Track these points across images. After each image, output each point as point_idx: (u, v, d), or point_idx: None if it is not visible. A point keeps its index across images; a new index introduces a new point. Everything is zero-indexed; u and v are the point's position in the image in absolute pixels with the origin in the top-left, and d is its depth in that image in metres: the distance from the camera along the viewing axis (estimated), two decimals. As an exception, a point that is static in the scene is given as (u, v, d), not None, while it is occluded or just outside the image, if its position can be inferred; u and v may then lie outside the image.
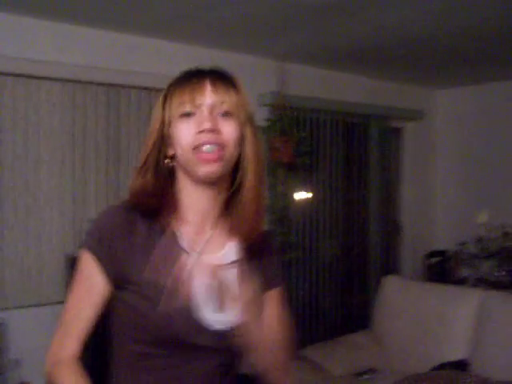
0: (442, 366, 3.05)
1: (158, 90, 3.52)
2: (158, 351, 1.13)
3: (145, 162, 1.19)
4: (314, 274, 4.48)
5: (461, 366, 3.01)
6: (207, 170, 1.12)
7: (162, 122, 1.17)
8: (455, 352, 3.13)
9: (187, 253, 1.17)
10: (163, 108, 1.18)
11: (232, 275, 1.15)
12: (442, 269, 4.94)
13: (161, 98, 1.20)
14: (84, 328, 1.16)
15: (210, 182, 1.16)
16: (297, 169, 4.22)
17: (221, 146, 1.12)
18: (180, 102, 1.14)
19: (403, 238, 5.43)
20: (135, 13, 3.11)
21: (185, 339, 1.12)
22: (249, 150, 1.18)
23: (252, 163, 1.18)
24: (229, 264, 1.19)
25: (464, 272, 4.92)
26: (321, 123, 4.56)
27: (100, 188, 3.32)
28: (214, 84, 1.15)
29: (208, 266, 1.12)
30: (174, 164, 1.20)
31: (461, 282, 4.72)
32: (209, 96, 1.14)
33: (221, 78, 1.18)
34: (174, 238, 1.17)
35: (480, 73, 4.79)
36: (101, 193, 3.32)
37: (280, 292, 1.31)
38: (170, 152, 1.18)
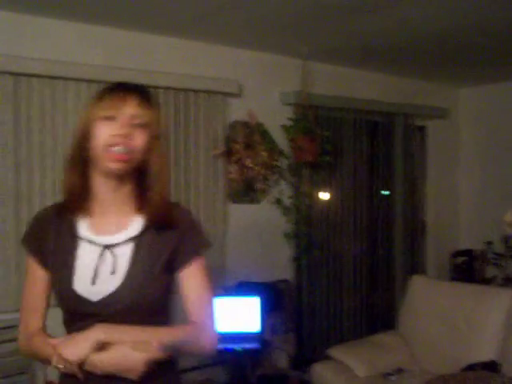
0: (471, 367, 3.01)
1: (180, 90, 3.59)
2: (73, 318, 1.39)
3: (71, 158, 1.42)
4: (339, 274, 4.46)
5: (490, 366, 2.96)
6: (114, 166, 1.34)
7: (87, 122, 1.38)
8: (484, 353, 3.08)
9: (80, 238, 1.42)
10: (90, 109, 1.39)
11: (127, 250, 1.40)
12: (468, 268, 4.89)
13: (90, 101, 1.42)
14: (40, 306, 1.46)
15: (115, 176, 1.37)
16: (320, 168, 4.21)
17: (130, 150, 1.33)
18: (106, 107, 1.35)
19: (428, 237, 5.37)
20: (161, 13, 3.13)
21: (76, 309, 1.37)
22: (156, 156, 1.39)
23: (156, 166, 1.40)
24: (126, 241, 1.41)
25: (491, 271, 4.86)
26: (344, 122, 4.53)
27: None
28: (137, 98, 1.36)
29: (97, 246, 1.40)
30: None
31: (487, 281, 4.66)
32: (131, 107, 1.35)
33: (144, 94, 1.39)
34: (71, 226, 1.43)
35: (504, 71, 4.73)
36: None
37: (197, 265, 1.44)
38: (89, 149, 1.38)
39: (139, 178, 1.42)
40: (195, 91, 3.63)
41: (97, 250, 1.39)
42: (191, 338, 1.41)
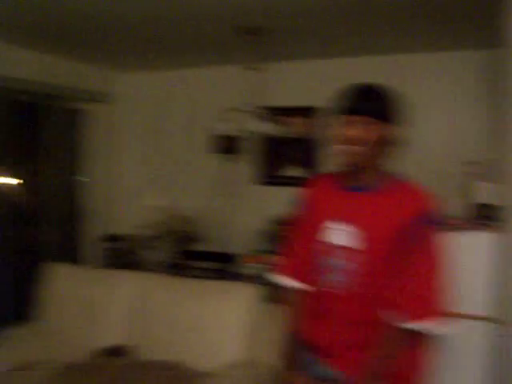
0: (105, 352, 3.01)
1: None
2: None
3: None
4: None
5: (118, 350, 3.00)
6: None
7: None
8: (117, 337, 3.11)
9: None
10: None
11: None
12: (120, 253, 4.95)
13: None
14: None
15: None
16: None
17: None
18: None
19: (86, 223, 5.30)
20: None
21: None
22: None
23: None
24: None
25: (143, 255, 5.01)
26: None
27: None
28: None
29: None
30: None
31: (138, 265, 4.78)
32: None
33: None
34: None
35: (162, 60, 4.89)
36: None
37: None
38: None
39: None
40: None
41: None
42: None
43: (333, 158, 1.75)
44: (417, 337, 1.65)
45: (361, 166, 1.70)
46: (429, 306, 1.61)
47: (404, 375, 1.69)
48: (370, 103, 1.67)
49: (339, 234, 1.72)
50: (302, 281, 1.89)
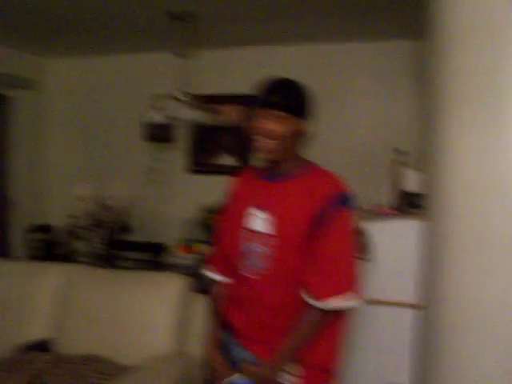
0: (27, 347, 2.90)
1: None
2: None
3: None
4: None
5: (43, 345, 2.90)
6: None
7: None
8: (43, 331, 3.00)
9: None
10: None
11: None
12: (50, 244, 4.79)
13: None
14: None
15: None
16: None
17: None
18: None
19: (14, 214, 5.11)
20: None
21: None
22: None
23: None
24: None
25: (73, 246, 4.87)
26: None
27: None
28: None
29: None
30: None
31: (68, 256, 4.64)
32: None
33: None
34: None
35: (91, 45, 4.76)
36: None
37: None
38: None
39: None
40: None
41: None
42: None
43: (252, 149, 1.78)
44: (330, 316, 1.71)
45: (275, 158, 1.76)
46: (337, 284, 1.68)
47: (318, 357, 1.75)
48: (284, 98, 1.70)
49: (257, 221, 1.77)
50: (225, 271, 1.94)
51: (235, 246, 1.83)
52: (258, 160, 1.82)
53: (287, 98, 1.71)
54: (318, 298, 1.66)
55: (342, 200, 1.71)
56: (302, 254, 1.70)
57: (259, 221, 1.77)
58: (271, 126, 1.70)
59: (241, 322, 1.83)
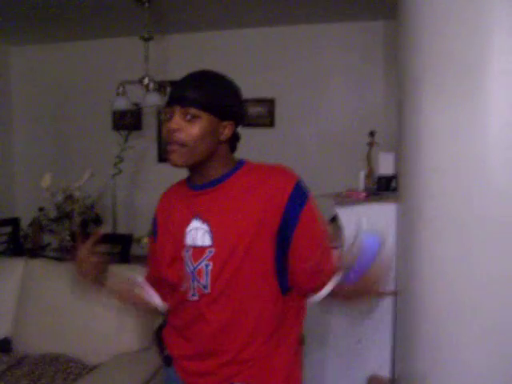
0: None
1: None
2: None
3: None
4: None
5: (4, 345, 2.76)
6: None
7: None
8: (4, 330, 2.86)
9: None
10: None
11: None
12: (17, 238, 4.62)
13: None
14: None
15: None
16: None
17: None
18: None
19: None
20: None
21: None
22: None
23: None
24: None
25: (41, 239, 4.71)
26: None
27: None
28: None
29: None
30: None
31: (35, 250, 4.49)
32: None
33: None
34: None
35: (54, 31, 4.61)
36: None
37: None
38: None
39: None
40: None
41: None
42: None
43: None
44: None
45: (187, 164, 1.50)
46: (329, 273, 1.46)
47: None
48: (194, 91, 1.44)
49: (195, 235, 1.51)
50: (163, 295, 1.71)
51: (178, 270, 1.56)
52: (172, 166, 1.51)
53: (198, 91, 1.44)
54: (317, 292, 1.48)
55: (302, 188, 1.49)
56: (260, 262, 1.47)
57: (198, 235, 1.51)
58: (179, 125, 1.43)
59: (184, 351, 1.60)
